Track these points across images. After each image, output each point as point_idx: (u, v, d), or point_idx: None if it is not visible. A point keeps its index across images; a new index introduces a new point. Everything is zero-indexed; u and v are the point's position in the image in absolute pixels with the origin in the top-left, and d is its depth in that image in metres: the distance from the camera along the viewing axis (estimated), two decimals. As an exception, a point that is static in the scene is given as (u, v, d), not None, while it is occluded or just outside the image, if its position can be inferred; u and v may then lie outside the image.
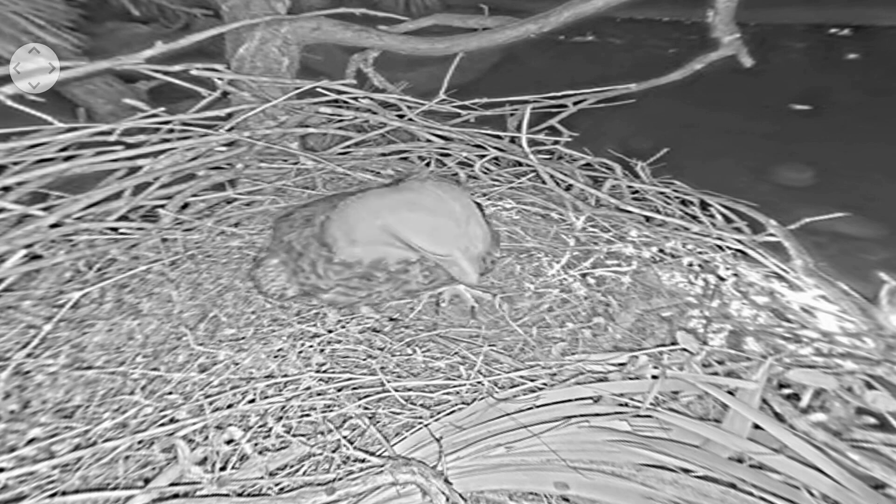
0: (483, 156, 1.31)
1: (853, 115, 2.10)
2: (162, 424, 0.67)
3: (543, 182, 1.26)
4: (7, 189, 0.96)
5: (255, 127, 1.26)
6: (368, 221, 0.71)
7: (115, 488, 0.62)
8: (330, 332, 0.84)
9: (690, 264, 1.07)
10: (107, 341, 0.82)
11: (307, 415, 0.70)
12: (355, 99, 1.36)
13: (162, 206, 1.08)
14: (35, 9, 1.35)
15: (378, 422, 0.71)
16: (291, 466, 0.65)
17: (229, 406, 0.70)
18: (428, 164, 1.35)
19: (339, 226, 0.74)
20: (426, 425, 0.68)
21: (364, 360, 0.80)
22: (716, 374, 0.77)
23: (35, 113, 0.97)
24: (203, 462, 0.64)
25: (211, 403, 0.70)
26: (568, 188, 1.26)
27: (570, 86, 1.46)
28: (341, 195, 0.85)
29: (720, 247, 1.11)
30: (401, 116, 1.38)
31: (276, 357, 0.79)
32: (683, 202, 1.24)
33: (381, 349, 0.82)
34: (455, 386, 0.75)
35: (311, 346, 0.81)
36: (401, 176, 0.76)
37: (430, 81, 1.44)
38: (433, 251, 0.69)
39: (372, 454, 0.64)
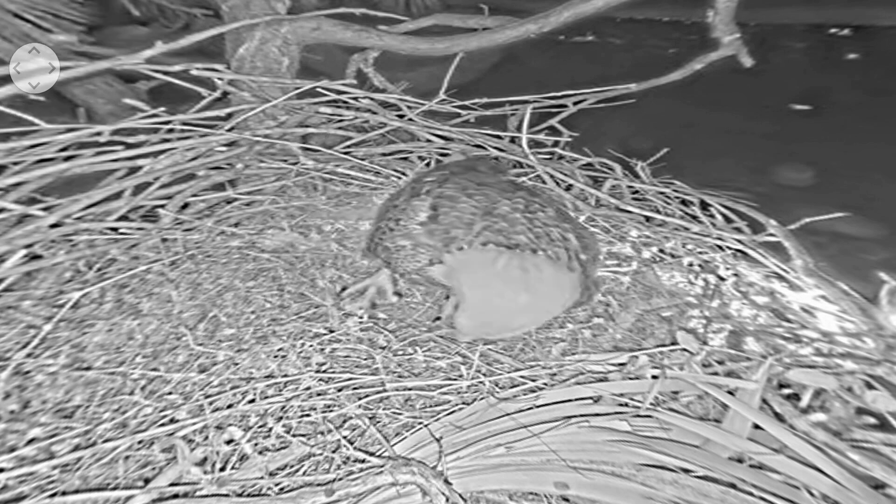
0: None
1: (853, 115, 2.10)
2: (162, 424, 0.67)
3: (543, 182, 1.26)
4: (7, 189, 0.96)
5: (255, 127, 1.26)
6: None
7: (115, 488, 0.61)
8: (331, 331, 0.84)
9: (690, 264, 1.07)
10: (107, 341, 0.82)
11: (307, 415, 0.70)
12: (355, 99, 1.36)
13: (162, 206, 1.08)
14: (37, 9, 1.36)
15: (378, 422, 0.71)
16: (291, 466, 0.65)
17: (229, 406, 0.70)
18: (428, 164, 1.35)
19: (447, 270, 0.79)
20: (426, 425, 0.68)
21: (364, 359, 0.80)
22: (716, 374, 0.77)
23: (28, 118, 0.97)
24: (203, 462, 0.64)
25: (211, 403, 0.70)
26: (568, 188, 1.26)
27: (570, 86, 1.46)
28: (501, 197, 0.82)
29: (720, 247, 1.11)
30: (401, 116, 1.38)
31: (275, 357, 0.79)
32: (683, 202, 1.24)
33: (383, 348, 0.82)
34: (455, 386, 0.75)
35: (311, 346, 0.81)
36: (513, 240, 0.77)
37: (430, 81, 1.44)
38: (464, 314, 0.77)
39: (372, 454, 0.64)
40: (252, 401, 0.71)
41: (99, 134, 1.04)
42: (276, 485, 0.62)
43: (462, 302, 0.76)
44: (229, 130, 1.19)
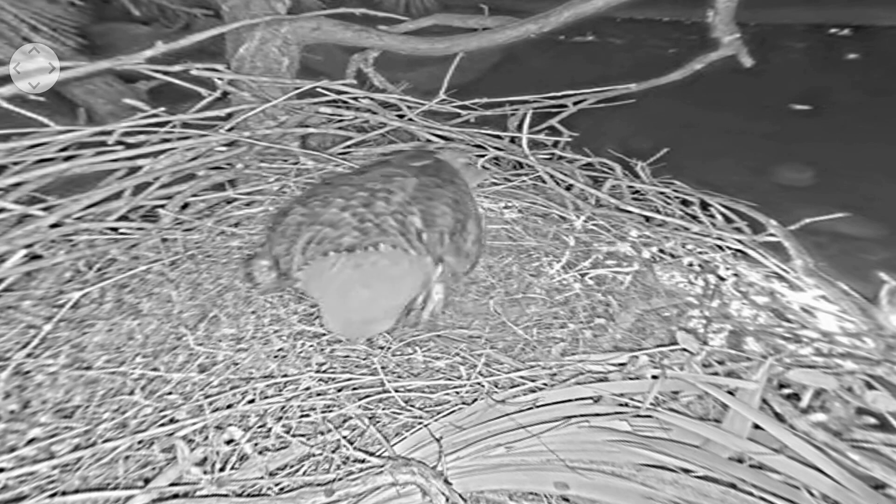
0: (483, 156, 1.31)
1: (853, 115, 2.10)
2: (162, 424, 0.67)
3: (544, 182, 1.26)
4: (7, 189, 0.96)
5: (255, 127, 1.26)
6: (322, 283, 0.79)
7: (115, 488, 0.62)
8: (330, 331, 0.84)
9: (690, 264, 1.07)
10: (107, 341, 0.82)
11: (307, 415, 0.70)
12: (355, 99, 1.36)
13: (162, 206, 1.08)
14: (35, 12, 1.36)
15: (378, 422, 0.71)
16: (291, 466, 0.65)
17: (229, 406, 0.70)
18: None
19: (306, 279, 0.80)
20: (426, 425, 0.68)
21: (364, 359, 0.80)
22: (716, 374, 0.77)
23: (34, 116, 0.98)
24: (203, 462, 0.64)
25: (211, 404, 0.70)
26: (568, 188, 1.26)
27: (570, 86, 1.46)
28: (320, 201, 0.84)
29: (720, 247, 1.11)
30: (401, 116, 1.38)
31: (275, 357, 0.79)
32: (684, 202, 1.24)
33: (381, 349, 0.82)
34: (455, 386, 0.75)
35: (311, 346, 0.81)
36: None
37: (430, 81, 1.44)
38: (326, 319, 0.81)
39: (372, 454, 0.64)
40: (252, 401, 0.71)
41: (106, 133, 1.04)
42: (276, 485, 0.62)
43: (321, 308, 0.80)
44: (229, 130, 1.19)
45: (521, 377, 0.77)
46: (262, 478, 0.62)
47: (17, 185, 0.97)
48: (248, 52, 1.32)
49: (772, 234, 1.10)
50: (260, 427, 0.69)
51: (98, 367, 0.77)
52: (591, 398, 0.73)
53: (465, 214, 0.87)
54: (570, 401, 0.72)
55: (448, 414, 0.70)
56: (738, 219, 1.18)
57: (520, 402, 0.72)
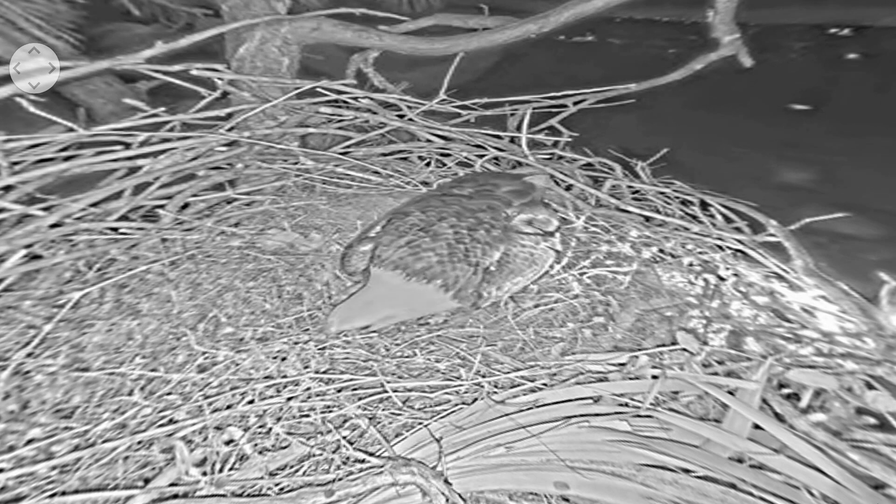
0: (483, 156, 1.31)
1: (853, 115, 2.09)
2: (161, 425, 0.67)
3: (543, 182, 1.26)
4: (8, 189, 0.96)
5: (255, 127, 1.26)
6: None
7: (114, 489, 0.61)
8: (337, 335, 0.84)
9: (690, 264, 1.07)
10: (106, 342, 0.82)
11: (307, 415, 0.70)
12: (355, 99, 1.36)
13: (162, 206, 1.08)
14: (35, 10, 1.36)
15: (378, 422, 0.71)
16: (291, 467, 0.65)
17: (228, 407, 0.70)
18: (428, 164, 1.35)
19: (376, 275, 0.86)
20: (426, 425, 0.68)
21: (364, 361, 0.80)
22: (716, 374, 0.77)
23: (55, 119, 0.99)
24: (202, 463, 0.64)
25: (210, 404, 0.70)
26: (568, 188, 1.26)
27: (570, 86, 1.46)
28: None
29: (720, 247, 1.11)
30: (401, 116, 1.38)
31: (275, 358, 0.79)
32: (683, 202, 1.24)
33: (381, 349, 0.82)
34: (455, 386, 0.75)
35: (310, 349, 0.81)
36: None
37: (430, 81, 1.44)
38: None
39: (372, 455, 0.64)
40: (251, 401, 0.71)
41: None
42: (276, 485, 0.62)
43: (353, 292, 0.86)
44: (229, 130, 1.19)
45: (521, 377, 0.77)
46: (262, 478, 0.62)
47: (18, 184, 0.97)
48: (248, 52, 1.32)
49: (772, 234, 1.10)
50: (260, 427, 0.68)
51: (97, 367, 0.77)
52: (591, 398, 0.73)
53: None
54: (570, 401, 0.72)
55: (448, 414, 0.70)
56: (738, 219, 1.18)
57: (520, 402, 0.72)
